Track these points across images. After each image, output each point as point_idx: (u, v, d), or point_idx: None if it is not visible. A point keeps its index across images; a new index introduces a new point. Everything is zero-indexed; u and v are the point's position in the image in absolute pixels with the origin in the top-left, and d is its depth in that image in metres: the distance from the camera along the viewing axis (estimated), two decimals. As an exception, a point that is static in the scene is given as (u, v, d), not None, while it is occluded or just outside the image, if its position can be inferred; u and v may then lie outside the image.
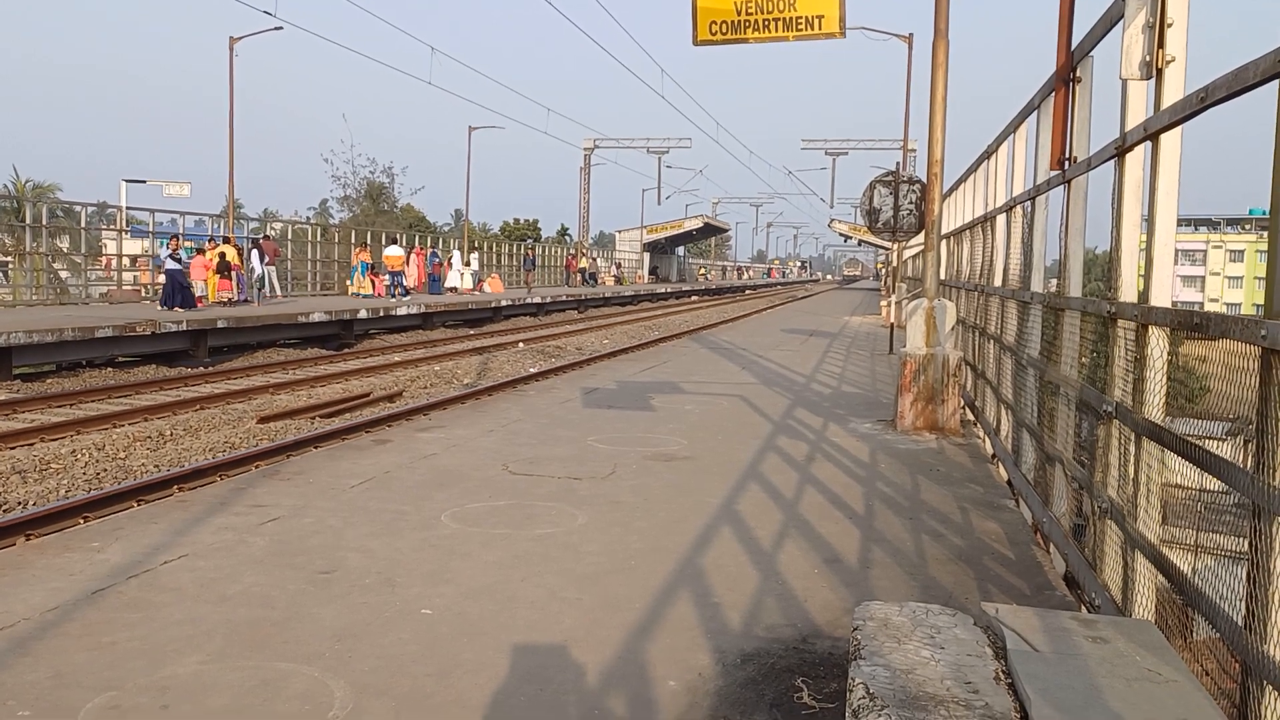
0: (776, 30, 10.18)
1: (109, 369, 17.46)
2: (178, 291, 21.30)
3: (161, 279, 22.90)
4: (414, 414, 11.90)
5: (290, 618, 4.50)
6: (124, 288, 26.65)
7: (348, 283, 31.89)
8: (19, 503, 8.52)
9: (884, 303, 33.63)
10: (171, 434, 11.57)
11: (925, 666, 2.95)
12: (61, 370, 16.85)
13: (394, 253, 31.63)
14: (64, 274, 28.17)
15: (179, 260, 22.08)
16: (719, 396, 12.59)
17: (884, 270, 51.36)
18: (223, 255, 23.61)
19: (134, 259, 29.67)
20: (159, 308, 21.29)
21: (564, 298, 40.99)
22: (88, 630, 4.31)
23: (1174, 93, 4.15)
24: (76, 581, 4.93)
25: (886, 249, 38.86)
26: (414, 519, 6.25)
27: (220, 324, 19.70)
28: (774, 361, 17.73)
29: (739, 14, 10.22)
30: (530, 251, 47.61)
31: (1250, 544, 3.02)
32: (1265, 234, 3.15)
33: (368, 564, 5.31)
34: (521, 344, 23.60)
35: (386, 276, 31.53)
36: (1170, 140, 4.21)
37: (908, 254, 28.76)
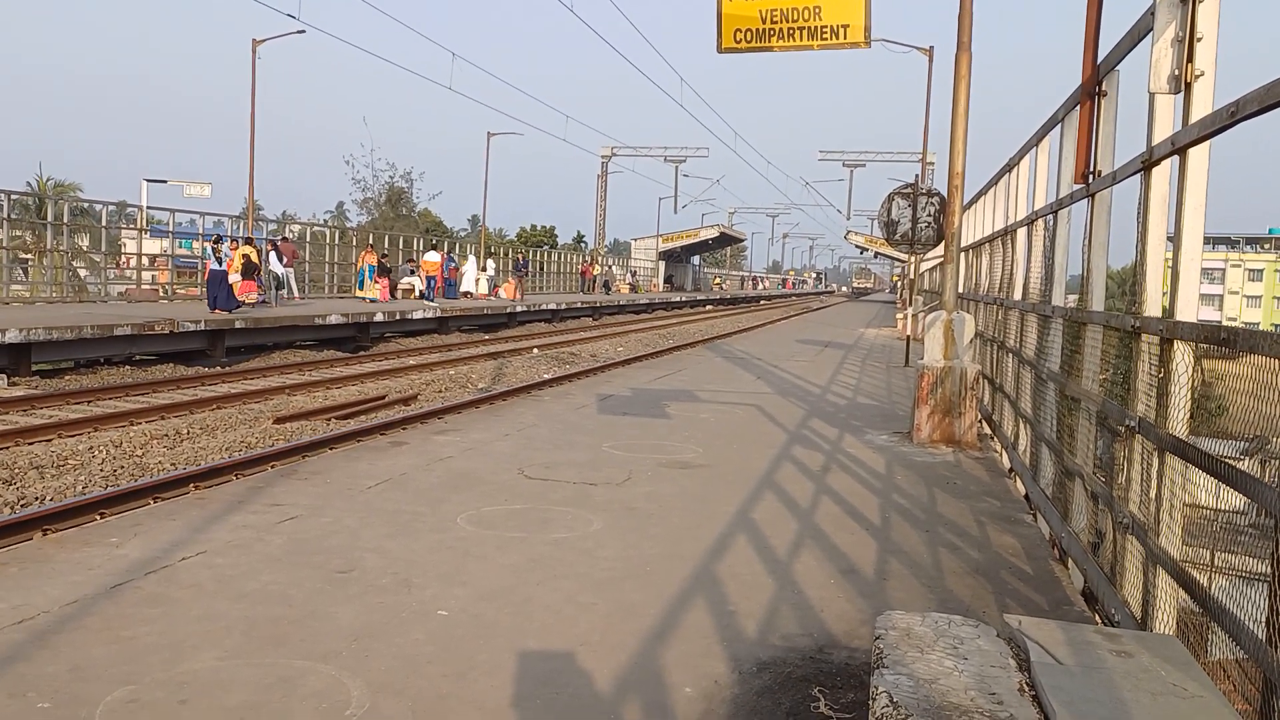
0: (801, 39, 10.18)
1: (126, 367, 17.55)
2: (218, 290, 21.04)
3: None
4: (430, 417, 11.92)
5: (307, 616, 4.51)
6: (143, 286, 26.75)
7: (358, 290, 30.76)
8: (37, 498, 8.57)
9: (900, 315, 33.54)
10: (188, 432, 11.62)
11: (949, 676, 2.93)
12: (80, 367, 16.95)
13: (433, 258, 31.79)
14: (83, 272, 28.29)
15: (220, 260, 21.84)
16: (734, 405, 12.57)
17: (900, 283, 51.33)
18: (248, 257, 23.44)
19: (153, 258, 29.80)
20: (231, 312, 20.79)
21: (579, 305, 41.02)
22: (106, 624, 4.32)
23: (1202, 107, 4.13)
24: (95, 576, 4.95)
25: (903, 261, 38.77)
26: (430, 521, 6.26)
27: (238, 324, 19.80)
28: (789, 372, 17.70)
29: (764, 22, 10.23)
30: (521, 255, 46.45)
31: (1273, 557, 3.00)
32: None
33: (384, 564, 5.32)
34: (536, 349, 23.62)
35: (416, 281, 31.68)
36: (1198, 155, 4.20)
37: (924, 266, 28.71)
